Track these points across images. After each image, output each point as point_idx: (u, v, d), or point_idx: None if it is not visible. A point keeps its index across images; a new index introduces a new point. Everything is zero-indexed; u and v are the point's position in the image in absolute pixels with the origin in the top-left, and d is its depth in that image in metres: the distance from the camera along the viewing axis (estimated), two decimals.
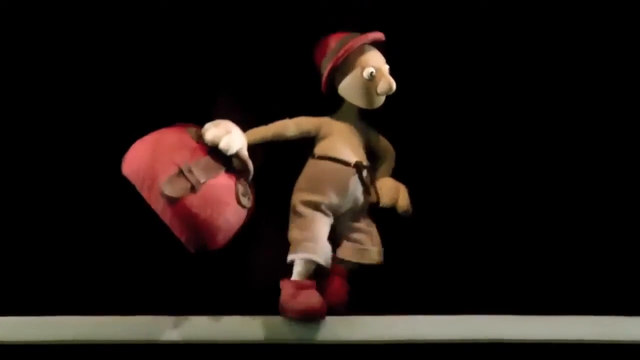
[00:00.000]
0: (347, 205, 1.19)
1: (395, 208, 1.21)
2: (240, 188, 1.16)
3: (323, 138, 1.21)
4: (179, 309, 1.17)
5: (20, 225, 1.25)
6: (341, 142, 1.20)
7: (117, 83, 1.27)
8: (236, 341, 1.16)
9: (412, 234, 1.23)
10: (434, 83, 1.29)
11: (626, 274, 1.28)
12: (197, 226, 1.12)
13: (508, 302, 1.22)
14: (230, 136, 1.14)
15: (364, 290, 1.21)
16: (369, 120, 1.23)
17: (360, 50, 1.19)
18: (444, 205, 1.27)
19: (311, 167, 1.20)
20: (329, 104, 1.22)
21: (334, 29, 1.21)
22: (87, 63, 1.27)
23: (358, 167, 1.19)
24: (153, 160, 1.12)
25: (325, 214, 1.18)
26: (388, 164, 1.25)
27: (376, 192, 1.21)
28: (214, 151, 1.14)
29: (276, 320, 1.16)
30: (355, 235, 1.21)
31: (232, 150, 1.14)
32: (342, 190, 1.18)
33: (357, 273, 1.21)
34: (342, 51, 1.17)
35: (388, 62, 1.20)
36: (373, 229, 1.22)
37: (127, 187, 1.13)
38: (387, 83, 1.17)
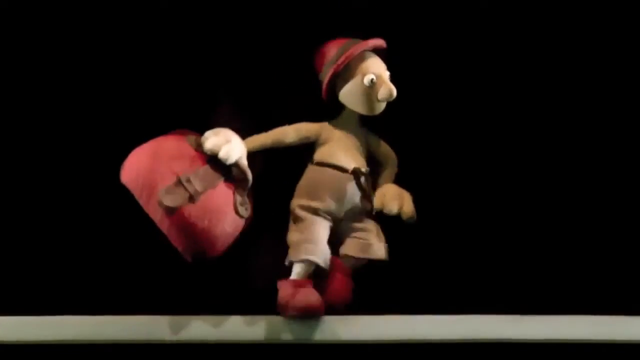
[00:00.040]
0: (345, 210, 1.19)
1: (400, 215, 1.20)
2: (239, 197, 1.16)
3: (322, 144, 1.21)
4: (178, 309, 1.17)
5: (21, 226, 1.25)
6: (340, 148, 1.20)
7: (116, 90, 1.27)
8: (235, 341, 1.16)
9: (411, 233, 1.23)
10: (435, 89, 1.29)
11: (626, 274, 1.28)
12: (195, 236, 1.12)
13: (508, 302, 1.22)
14: (229, 145, 1.14)
15: (363, 290, 1.21)
16: (370, 127, 1.23)
17: (361, 57, 1.19)
18: (444, 206, 1.27)
19: (310, 173, 1.20)
20: (329, 110, 1.22)
21: (335, 36, 1.21)
22: (87, 69, 1.27)
23: (356, 173, 1.19)
24: (152, 170, 1.12)
25: (324, 218, 1.18)
26: (390, 170, 1.25)
27: (377, 198, 1.20)
28: (213, 160, 1.14)
29: (276, 320, 1.16)
30: (359, 233, 1.21)
31: (231, 160, 1.14)
32: (340, 196, 1.18)
33: (357, 273, 1.21)
34: (342, 58, 1.18)
35: (389, 68, 1.20)
36: (377, 227, 1.22)
37: (126, 188, 1.13)
38: (387, 90, 1.17)
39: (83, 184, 1.25)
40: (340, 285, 1.19)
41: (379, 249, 1.21)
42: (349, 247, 1.21)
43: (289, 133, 1.21)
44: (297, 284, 1.16)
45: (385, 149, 1.25)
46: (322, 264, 1.17)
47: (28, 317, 1.16)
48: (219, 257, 1.16)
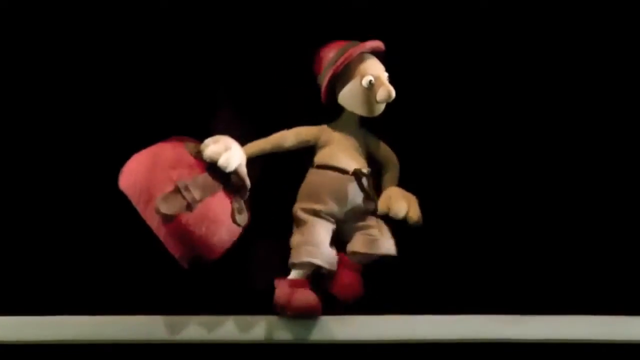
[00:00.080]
0: (347, 212, 1.19)
1: (406, 219, 1.20)
2: (237, 205, 1.15)
3: (322, 147, 1.21)
4: (177, 309, 1.17)
5: (21, 227, 1.25)
6: (340, 150, 1.20)
7: (115, 95, 1.27)
8: (234, 341, 1.16)
9: (411, 233, 1.23)
10: (434, 90, 1.29)
11: (626, 274, 1.28)
12: (191, 243, 1.12)
13: (508, 302, 1.22)
14: (229, 153, 1.13)
15: (363, 290, 1.21)
16: (369, 128, 1.23)
17: (360, 59, 1.19)
18: (444, 206, 1.27)
19: (311, 177, 1.21)
20: (328, 113, 1.22)
21: (333, 39, 1.21)
22: (86, 74, 1.27)
23: (357, 174, 1.19)
24: (150, 177, 1.11)
25: (326, 220, 1.18)
26: (392, 172, 1.24)
27: (382, 202, 1.20)
28: (212, 168, 1.14)
29: (274, 320, 1.16)
30: (365, 230, 1.20)
31: (230, 167, 1.13)
32: (341, 198, 1.18)
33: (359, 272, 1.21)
34: (341, 60, 1.18)
35: (387, 70, 1.20)
36: (382, 224, 1.21)
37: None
38: (386, 91, 1.17)
39: (83, 185, 1.25)
40: (349, 280, 1.19)
41: (387, 245, 1.20)
42: (357, 244, 1.20)
43: (288, 137, 1.21)
44: (294, 284, 1.16)
45: (385, 151, 1.25)
46: (325, 266, 1.17)
47: (28, 317, 1.16)
48: (217, 258, 1.16)
